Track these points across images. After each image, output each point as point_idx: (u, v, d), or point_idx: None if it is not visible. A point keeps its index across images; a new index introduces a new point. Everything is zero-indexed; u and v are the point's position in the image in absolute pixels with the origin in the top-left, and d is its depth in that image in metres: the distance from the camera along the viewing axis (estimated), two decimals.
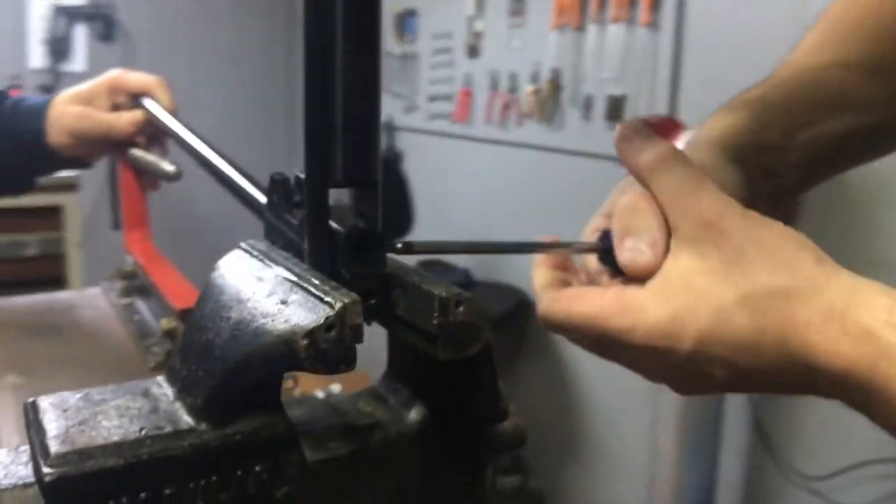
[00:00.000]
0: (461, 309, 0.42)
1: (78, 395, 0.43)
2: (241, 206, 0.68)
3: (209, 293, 0.46)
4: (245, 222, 0.67)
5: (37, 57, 3.86)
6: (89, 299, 1.07)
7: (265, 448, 0.41)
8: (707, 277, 0.43)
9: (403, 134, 3.59)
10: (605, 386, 2.64)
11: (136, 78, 0.98)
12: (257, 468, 0.41)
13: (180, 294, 0.93)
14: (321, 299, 0.39)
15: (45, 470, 0.36)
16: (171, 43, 4.07)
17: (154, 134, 0.99)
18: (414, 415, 0.48)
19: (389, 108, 3.64)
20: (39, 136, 0.94)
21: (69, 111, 0.94)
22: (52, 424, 0.40)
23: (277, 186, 0.51)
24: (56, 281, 1.97)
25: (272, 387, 0.42)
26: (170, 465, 0.39)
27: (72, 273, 2.01)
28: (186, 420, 0.41)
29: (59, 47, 3.88)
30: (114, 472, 0.37)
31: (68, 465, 0.37)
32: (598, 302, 0.46)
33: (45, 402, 0.42)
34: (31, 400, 0.43)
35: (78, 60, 3.95)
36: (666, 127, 1.98)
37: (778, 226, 0.44)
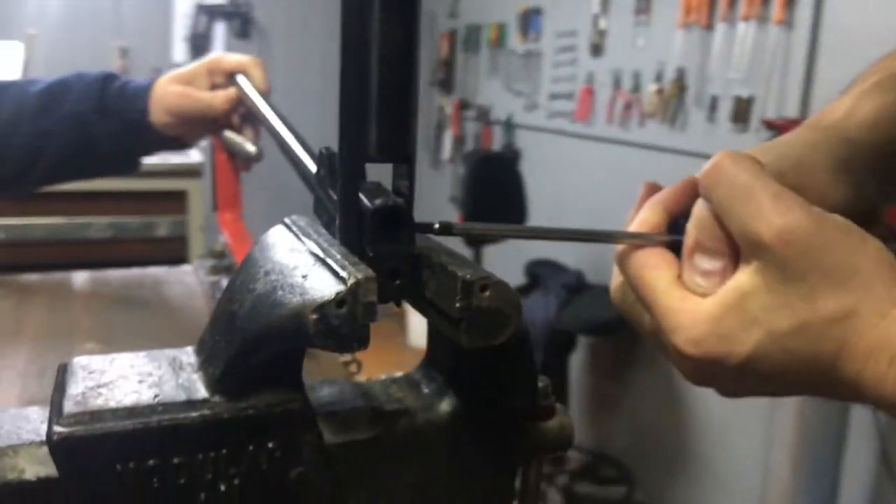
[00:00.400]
0: (487, 293, 0.39)
1: (109, 359, 0.43)
2: None
3: (244, 265, 0.45)
4: None
5: (179, 52, 4.07)
6: (180, 276, 1.11)
7: (279, 424, 0.40)
8: (763, 300, 0.40)
9: (523, 132, 3.56)
10: (718, 399, 2.51)
11: (233, 58, 1.00)
12: (270, 445, 0.40)
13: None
14: (337, 274, 0.38)
15: (55, 429, 0.37)
16: (305, 40, 4.22)
17: (247, 115, 1.01)
18: (445, 404, 0.46)
19: (511, 105, 3.62)
20: (143, 116, 0.98)
21: (170, 90, 0.97)
22: (74, 386, 0.40)
23: (324, 160, 0.50)
24: (181, 261, 2.06)
25: (292, 363, 0.41)
26: (178, 434, 0.38)
27: (192, 254, 2.11)
28: (202, 390, 0.40)
29: (199, 43, 4.07)
30: (121, 436, 0.37)
31: (78, 425, 0.37)
32: (665, 280, 0.43)
33: (76, 364, 0.43)
34: (65, 362, 0.43)
35: None
36: None
37: (854, 238, 0.39)
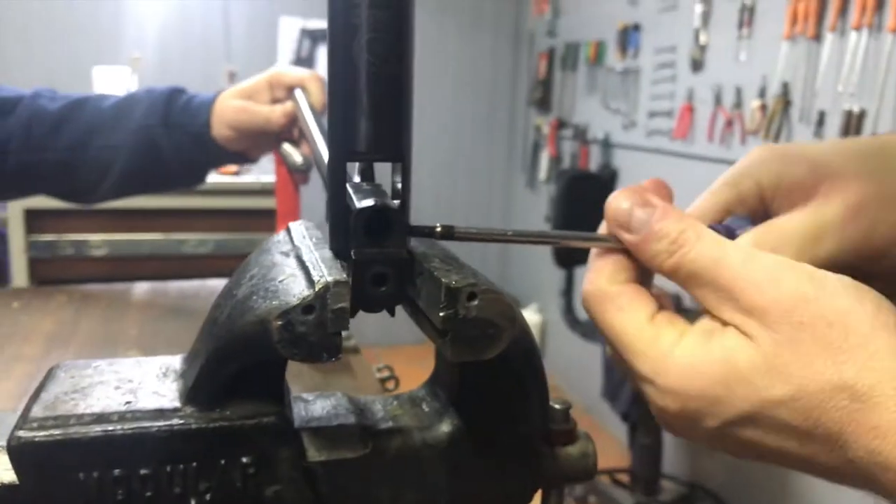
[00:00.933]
0: (475, 302, 0.36)
1: (97, 364, 0.42)
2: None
3: (237, 270, 0.43)
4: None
5: None
6: None
7: (253, 438, 0.38)
8: (754, 363, 0.35)
9: (620, 151, 3.48)
10: None
11: (293, 72, 1.00)
12: (244, 459, 0.38)
13: None
14: (310, 279, 0.35)
15: (16, 433, 0.35)
16: None
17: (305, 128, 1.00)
18: (445, 424, 0.43)
19: (608, 124, 3.54)
20: (205, 130, 0.99)
21: (230, 105, 0.98)
22: (51, 390, 0.39)
23: None
24: None
25: (270, 372, 0.39)
26: (145, 444, 0.36)
27: None
28: (176, 400, 0.38)
29: (302, 66, 4.20)
30: (84, 443, 0.36)
31: (40, 430, 0.36)
32: (635, 323, 0.39)
33: (62, 368, 0.42)
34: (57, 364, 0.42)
35: None
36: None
37: (850, 298, 0.34)
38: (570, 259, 2.89)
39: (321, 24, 4.13)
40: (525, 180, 4.37)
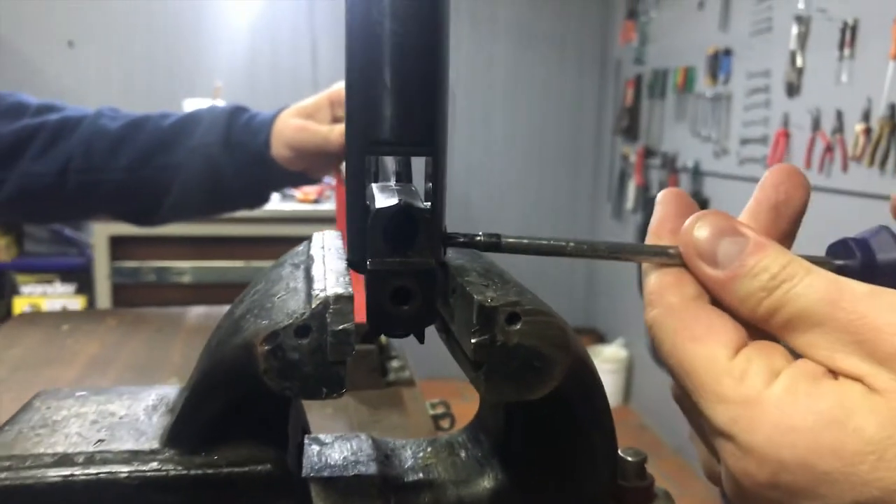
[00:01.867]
0: (517, 326, 0.28)
1: (82, 392, 0.36)
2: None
3: (249, 285, 0.37)
4: None
5: None
6: None
7: (242, 490, 0.31)
8: (886, 427, 0.26)
9: (711, 179, 3.33)
10: None
11: None
12: None
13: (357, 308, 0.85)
14: (309, 293, 0.28)
15: None
16: (487, 86, 4.24)
17: None
18: (487, 479, 0.35)
19: (698, 152, 3.40)
20: (265, 149, 0.94)
21: (290, 124, 0.93)
22: (20, 423, 0.33)
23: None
24: None
25: (268, 409, 0.32)
26: (110, 493, 0.30)
27: None
28: (156, 439, 0.32)
29: None
30: (35, 490, 0.29)
31: None
32: (714, 356, 0.30)
33: (41, 396, 0.36)
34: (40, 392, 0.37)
35: None
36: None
37: None
38: None
39: None
40: (611, 210, 4.25)
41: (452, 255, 0.35)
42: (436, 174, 0.33)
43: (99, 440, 0.31)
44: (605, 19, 4.32)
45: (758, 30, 2.99)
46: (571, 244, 0.35)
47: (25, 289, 3.34)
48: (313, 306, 0.27)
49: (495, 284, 0.30)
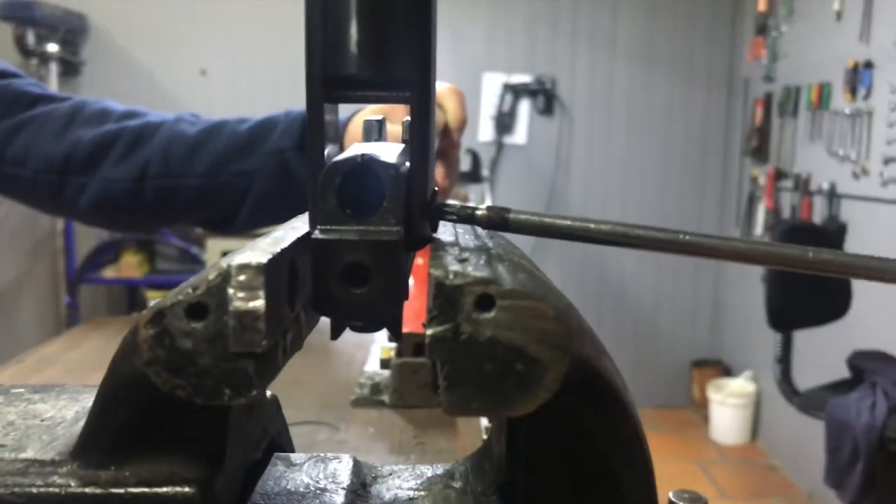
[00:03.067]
0: (491, 314, 0.20)
1: (20, 390, 0.31)
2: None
3: None
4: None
5: (486, 131, 4.18)
6: None
7: None
8: None
9: (850, 202, 3.07)
10: None
11: None
12: None
13: (413, 316, 0.76)
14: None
15: None
16: (607, 111, 4.12)
17: (442, 148, 0.88)
18: None
19: (834, 173, 3.16)
20: (339, 151, 0.90)
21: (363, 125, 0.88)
22: None
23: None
24: None
25: (199, 416, 0.25)
26: None
27: None
28: (65, 449, 0.26)
29: (504, 122, 4.16)
30: None
31: None
32: None
33: None
34: None
35: (519, 133, 4.19)
36: None
37: None
38: (787, 321, 2.54)
39: (523, 78, 4.10)
40: (739, 235, 4.01)
41: (471, 238, 0.27)
42: (419, 123, 0.26)
43: (0, 446, 0.26)
44: (731, 36, 4.12)
45: None
46: (605, 227, 0.27)
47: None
48: (210, 278, 0.20)
49: (479, 260, 0.22)
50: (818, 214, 3.25)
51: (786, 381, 2.66)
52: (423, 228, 0.26)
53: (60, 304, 3.76)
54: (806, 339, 2.68)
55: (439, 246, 0.24)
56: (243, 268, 0.20)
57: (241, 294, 0.20)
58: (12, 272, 3.88)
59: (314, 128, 0.25)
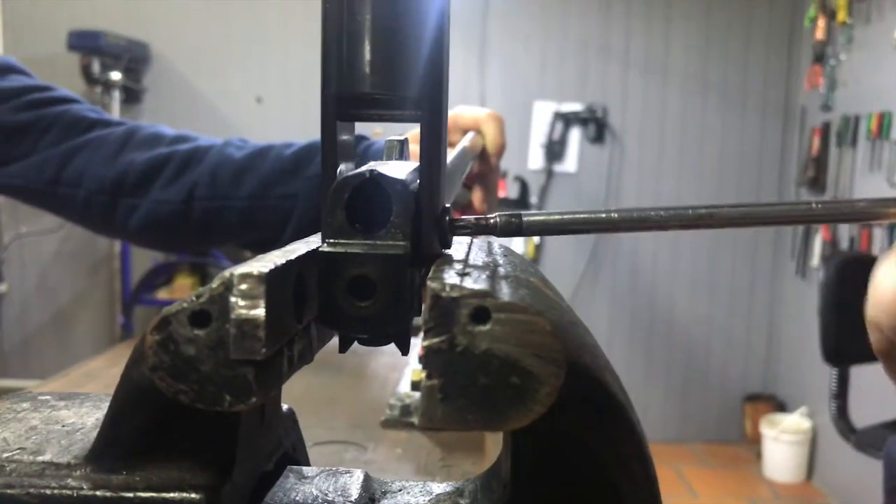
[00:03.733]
0: (486, 326, 0.20)
1: (46, 397, 0.32)
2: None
3: None
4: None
5: (536, 159, 4.18)
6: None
7: None
8: None
9: None
10: None
11: (470, 114, 0.90)
12: None
13: None
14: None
15: None
16: (658, 139, 4.09)
17: (480, 172, 0.89)
18: None
19: None
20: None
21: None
22: None
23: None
24: None
25: (211, 423, 0.26)
26: None
27: None
28: (80, 453, 0.26)
29: (554, 150, 4.16)
30: None
31: None
32: None
33: (17, 396, 0.32)
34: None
35: (570, 161, 4.19)
36: None
37: None
38: (843, 356, 2.47)
39: (574, 106, 4.10)
40: (795, 268, 3.93)
41: (483, 255, 0.28)
42: (429, 141, 0.26)
43: (20, 448, 0.27)
44: (788, 64, 4.07)
45: None
46: (616, 214, 0.27)
47: None
48: (213, 286, 0.21)
49: (482, 276, 0.23)
50: (878, 247, 3.16)
51: (842, 417, 2.58)
52: (433, 244, 0.26)
53: (115, 323, 3.86)
54: (863, 375, 2.60)
55: (444, 261, 0.24)
56: (245, 277, 0.21)
57: (242, 302, 0.21)
58: (71, 291, 3.99)
59: (327, 145, 0.26)
